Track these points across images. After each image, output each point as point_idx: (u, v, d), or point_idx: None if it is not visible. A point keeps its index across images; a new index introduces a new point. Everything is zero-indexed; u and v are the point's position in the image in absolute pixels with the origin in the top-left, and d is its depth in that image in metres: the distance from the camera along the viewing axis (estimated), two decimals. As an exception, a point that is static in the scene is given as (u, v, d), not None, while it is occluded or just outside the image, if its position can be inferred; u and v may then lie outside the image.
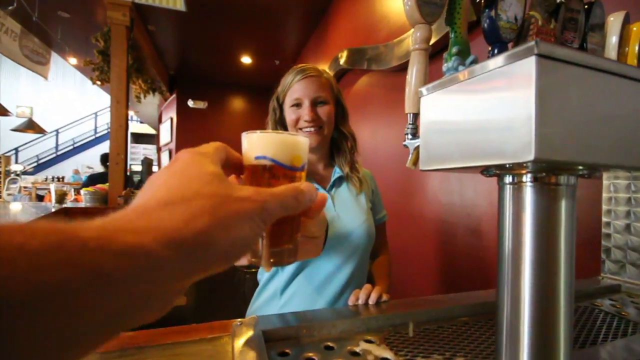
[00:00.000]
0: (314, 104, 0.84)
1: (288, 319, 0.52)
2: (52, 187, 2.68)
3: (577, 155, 0.26)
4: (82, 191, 3.00)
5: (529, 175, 0.33)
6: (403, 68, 1.86)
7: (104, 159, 4.76)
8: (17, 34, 3.73)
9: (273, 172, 0.30)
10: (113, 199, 3.02)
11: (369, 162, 2.34)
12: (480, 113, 0.30)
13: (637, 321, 0.64)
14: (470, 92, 0.31)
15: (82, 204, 2.94)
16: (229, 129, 5.88)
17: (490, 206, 1.25)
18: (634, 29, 0.58)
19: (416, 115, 0.44)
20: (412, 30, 0.44)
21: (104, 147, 10.97)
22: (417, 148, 0.45)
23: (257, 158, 0.30)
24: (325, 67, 3.15)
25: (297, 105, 0.85)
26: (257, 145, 0.30)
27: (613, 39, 0.57)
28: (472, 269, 1.33)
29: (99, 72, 3.20)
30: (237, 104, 5.97)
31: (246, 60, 4.68)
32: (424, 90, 0.37)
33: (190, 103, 5.33)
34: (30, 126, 5.91)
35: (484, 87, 0.29)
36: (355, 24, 2.62)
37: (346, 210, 0.87)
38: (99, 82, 3.55)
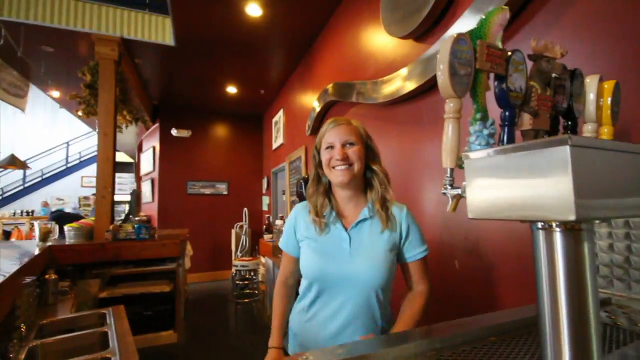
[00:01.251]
0: (344, 145, 0.97)
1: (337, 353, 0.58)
2: (37, 224, 2.56)
3: (606, 213, 0.36)
4: (66, 227, 2.89)
5: (558, 222, 0.42)
6: (392, 103, 2.01)
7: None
8: (-5, 68, 3.64)
9: None
10: (100, 234, 2.92)
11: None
12: (523, 181, 0.40)
13: (630, 329, 0.75)
14: (513, 163, 0.41)
15: (66, 241, 2.82)
16: (214, 156, 5.87)
17: (484, 224, 1.37)
18: (605, 86, 0.72)
19: (452, 169, 0.54)
20: (446, 100, 0.55)
21: (76, 178, 10.50)
22: (456, 196, 0.54)
23: None
24: (314, 97, 3.30)
25: (331, 147, 0.99)
26: None
27: (591, 95, 0.72)
28: (475, 291, 1.42)
29: (85, 105, 3.17)
30: (222, 131, 6.01)
31: (232, 90, 4.78)
32: (470, 154, 0.47)
33: (174, 132, 5.30)
34: (12, 162, 5.51)
35: (527, 161, 0.39)
36: (341, 59, 2.80)
37: (360, 250, 0.95)
38: (80, 114, 3.50)
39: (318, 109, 3.06)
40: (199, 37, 3.37)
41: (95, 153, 10.24)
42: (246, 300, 3.98)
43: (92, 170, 10.71)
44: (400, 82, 1.86)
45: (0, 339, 1.37)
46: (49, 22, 3.02)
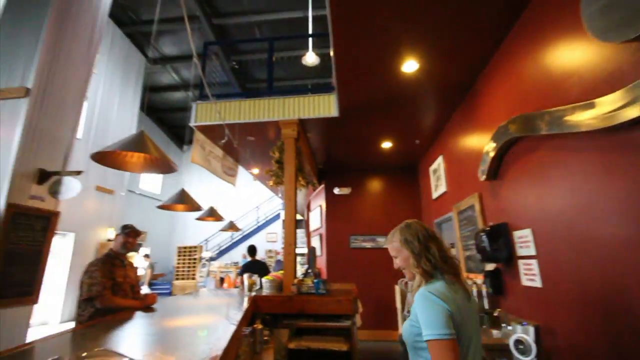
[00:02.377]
0: (395, 259, 1.36)
1: None
2: (245, 277, 3.14)
3: None
4: (263, 280, 3.41)
5: None
6: (616, 129, 1.49)
7: (251, 250, 5.61)
8: (220, 157, 5.09)
9: None
10: (287, 286, 3.30)
11: (559, 232, 1.82)
12: None
13: None
14: None
15: (263, 292, 3.31)
16: (372, 208, 6.03)
17: None
18: None
19: None
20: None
21: (263, 234, 12.95)
22: None
23: None
24: (483, 138, 2.94)
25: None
26: None
27: None
28: None
29: (275, 177, 3.91)
30: (378, 185, 6.18)
31: (386, 145, 4.93)
32: None
33: (336, 190, 5.83)
34: (211, 214, 7.40)
35: None
36: (521, 89, 2.41)
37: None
38: (271, 184, 4.34)
39: (493, 153, 2.66)
40: (358, 103, 3.70)
41: (275, 213, 12.34)
42: None
43: (272, 227, 13.00)
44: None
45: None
46: (253, 118, 4.02)
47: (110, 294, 2.35)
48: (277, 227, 12.80)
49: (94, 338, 1.52)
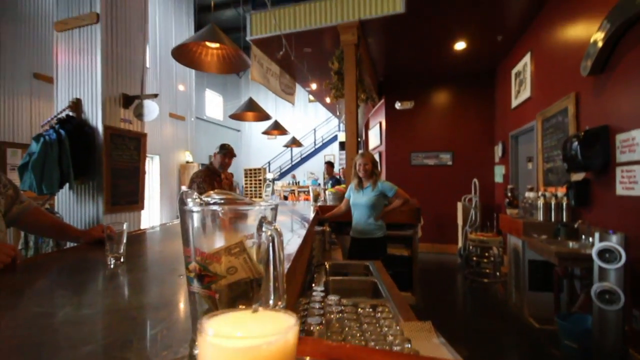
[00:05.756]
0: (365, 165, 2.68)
1: None
2: (311, 188, 3.33)
3: None
4: (327, 192, 3.60)
5: None
6: None
7: (330, 165, 5.75)
8: (278, 75, 5.01)
9: None
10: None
11: None
12: None
13: None
14: None
15: (327, 203, 3.53)
16: (437, 125, 5.63)
17: None
18: None
19: None
20: None
21: (320, 156, 13.31)
22: None
23: None
24: (590, 25, 2.35)
25: None
26: None
27: None
28: None
29: (335, 90, 3.76)
30: (445, 97, 5.63)
31: (459, 46, 4.29)
32: None
33: (398, 105, 5.47)
34: (276, 127, 7.56)
35: None
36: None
37: None
38: (329, 101, 4.22)
39: (601, 42, 2.13)
40: (428, -6, 3.15)
41: (332, 135, 12.40)
42: (484, 280, 3.61)
43: (329, 150, 13.20)
44: None
45: (307, 271, 1.84)
46: (309, 25, 3.74)
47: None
48: (334, 149, 12.97)
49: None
